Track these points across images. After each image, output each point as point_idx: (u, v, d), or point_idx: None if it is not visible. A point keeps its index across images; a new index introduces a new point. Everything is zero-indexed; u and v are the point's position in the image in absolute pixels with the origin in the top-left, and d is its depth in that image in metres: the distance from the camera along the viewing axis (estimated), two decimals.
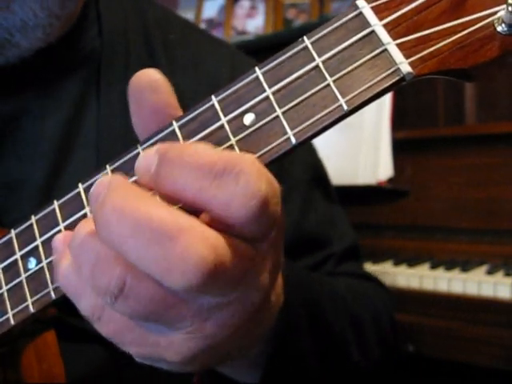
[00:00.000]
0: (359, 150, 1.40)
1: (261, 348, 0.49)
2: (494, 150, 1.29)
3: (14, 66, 0.63)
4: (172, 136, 0.39)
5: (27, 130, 0.64)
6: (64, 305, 0.41)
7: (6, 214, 0.61)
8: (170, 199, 0.34)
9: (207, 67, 0.71)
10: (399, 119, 1.41)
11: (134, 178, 0.39)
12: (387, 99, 1.37)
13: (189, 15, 2.03)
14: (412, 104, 1.44)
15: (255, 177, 0.33)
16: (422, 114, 1.44)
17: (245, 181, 0.32)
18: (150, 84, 0.40)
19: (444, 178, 1.34)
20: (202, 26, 2.01)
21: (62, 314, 0.55)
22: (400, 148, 1.38)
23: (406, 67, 0.34)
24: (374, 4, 0.36)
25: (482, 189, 1.29)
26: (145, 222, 0.32)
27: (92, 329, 0.39)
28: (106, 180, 0.35)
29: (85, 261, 0.35)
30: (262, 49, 1.47)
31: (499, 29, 0.32)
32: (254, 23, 1.93)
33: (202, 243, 0.32)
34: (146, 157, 0.35)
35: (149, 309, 0.35)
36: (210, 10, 2.04)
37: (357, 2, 0.36)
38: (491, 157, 1.30)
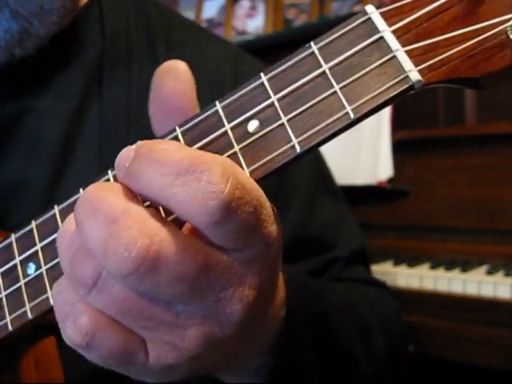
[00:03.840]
0: (359, 150, 1.40)
1: (263, 360, 0.48)
2: (494, 150, 1.29)
3: (17, 66, 0.62)
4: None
5: (30, 131, 0.64)
6: None
7: (8, 215, 0.61)
8: (140, 196, 0.35)
9: (210, 67, 0.71)
10: (399, 119, 1.40)
11: None
12: None
13: (189, 15, 2.03)
14: (412, 104, 1.43)
15: (219, 177, 0.32)
16: (422, 114, 1.44)
17: (207, 181, 0.32)
18: (173, 72, 0.41)
19: (444, 178, 1.34)
20: (202, 26, 2.01)
21: None
22: (400, 148, 1.38)
23: (415, 75, 0.34)
24: (383, 10, 0.35)
25: (482, 189, 1.29)
26: (98, 205, 0.33)
27: None
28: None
29: (64, 251, 0.36)
30: (261, 49, 1.46)
31: None
32: (254, 23, 1.92)
33: (138, 228, 0.32)
34: (125, 152, 0.35)
35: (121, 308, 0.35)
36: (210, 10, 2.04)
37: (365, 8, 0.35)
38: (491, 157, 1.30)
